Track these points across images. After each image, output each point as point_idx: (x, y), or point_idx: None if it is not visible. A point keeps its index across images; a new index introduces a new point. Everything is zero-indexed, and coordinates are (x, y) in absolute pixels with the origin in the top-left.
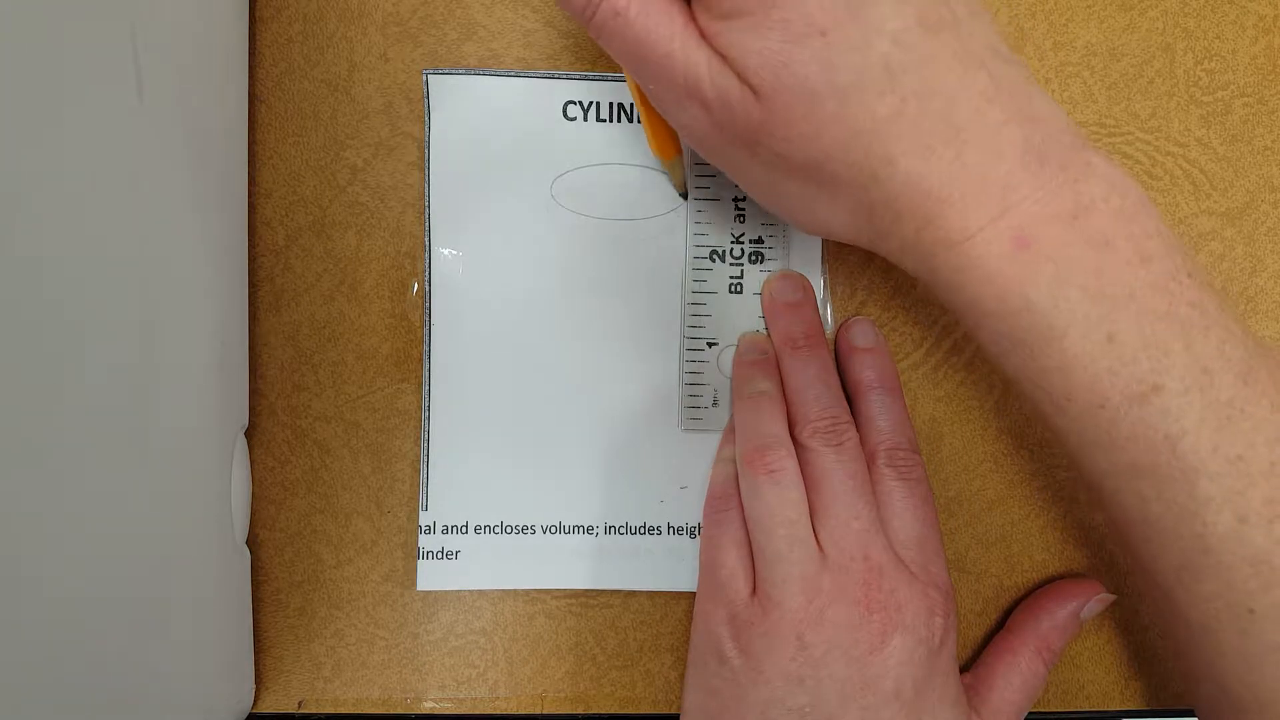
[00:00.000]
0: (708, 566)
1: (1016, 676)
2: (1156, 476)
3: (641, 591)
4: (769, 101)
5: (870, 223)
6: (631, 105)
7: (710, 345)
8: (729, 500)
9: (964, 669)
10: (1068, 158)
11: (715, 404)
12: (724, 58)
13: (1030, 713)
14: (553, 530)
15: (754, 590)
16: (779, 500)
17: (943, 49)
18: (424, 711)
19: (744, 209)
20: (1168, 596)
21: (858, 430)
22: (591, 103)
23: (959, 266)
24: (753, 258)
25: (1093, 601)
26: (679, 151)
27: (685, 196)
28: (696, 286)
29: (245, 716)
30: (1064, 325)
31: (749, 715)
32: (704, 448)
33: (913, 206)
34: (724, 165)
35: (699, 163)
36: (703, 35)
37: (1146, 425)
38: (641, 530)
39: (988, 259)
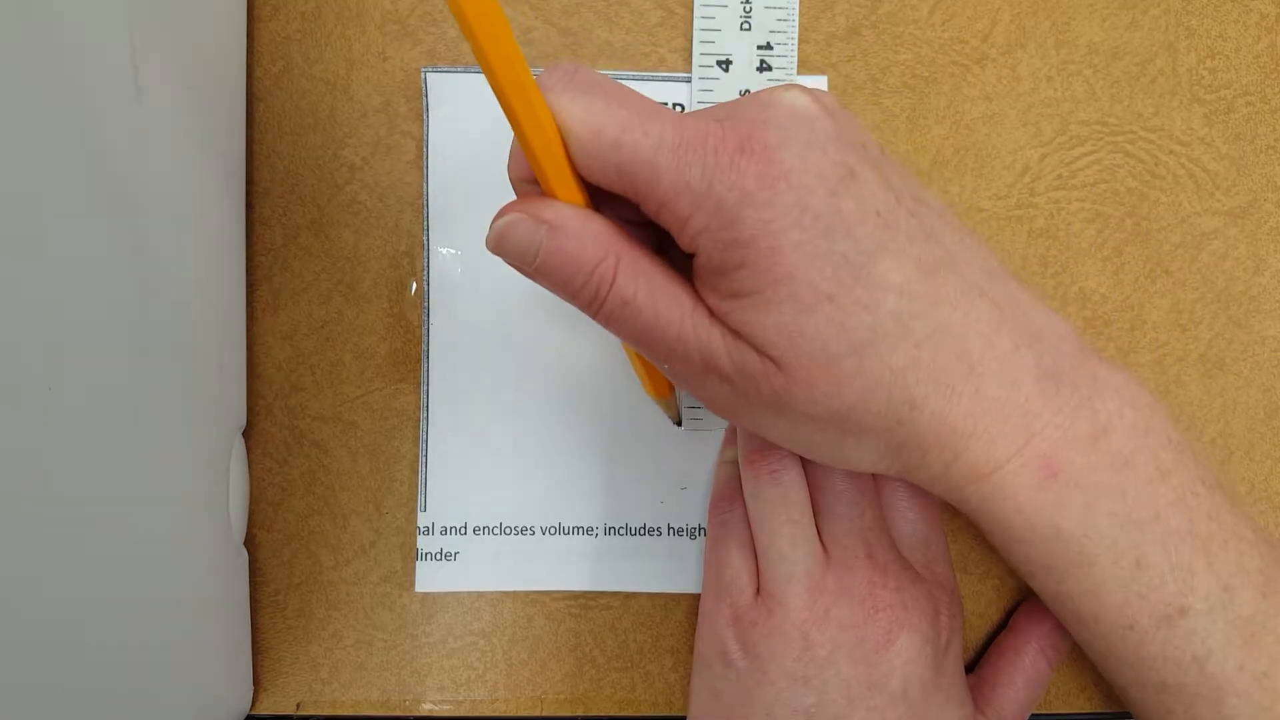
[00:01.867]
0: (712, 568)
1: (1020, 675)
2: (1184, 695)
3: (641, 593)
4: (789, 369)
5: (899, 459)
6: None
7: None
8: (733, 501)
9: (968, 669)
10: (1078, 375)
11: None
12: (738, 334)
13: (1032, 713)
14: (552, 531)
15: (758, 591)
16: (781, 500)
17: (944, 289)
18: (422, 714)
19: None
20: None
21: None
22: None
23: (988, 497)
24: None
25: None
26: (673, 389)
27: (679, 424)
28: None
29: (243, 718)
30: (1094, 553)
31: (754, 716)
32: (704, 448)
33: (939, 443)
34: (748, 425)
35: None
36: (712, 314)
37: (1174, 647)
38: (641, 531)
39: (1017, 490)
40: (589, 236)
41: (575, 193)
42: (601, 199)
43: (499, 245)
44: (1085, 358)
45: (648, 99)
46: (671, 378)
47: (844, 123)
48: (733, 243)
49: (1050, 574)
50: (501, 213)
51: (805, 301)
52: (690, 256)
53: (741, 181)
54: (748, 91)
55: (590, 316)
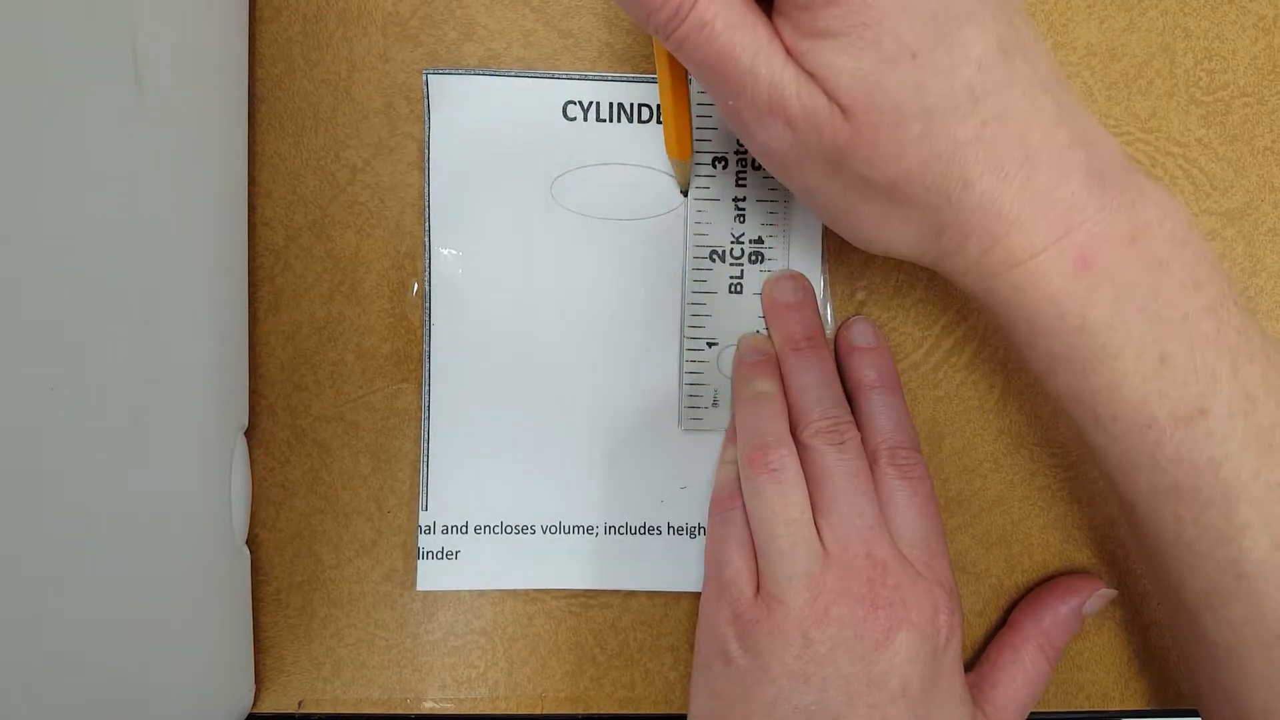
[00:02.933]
0: (712, 567)
1: (1020, 673)
2: (1196, 499)
3: (641, 592)
4: (857, 121)
5: (937, 242)
6: (633, 105)
7: (710, 345)
8: (733, 501)
9: (967, 668)
10: (1123, 180)
11: (715, 404)
12: (812, 76)
13: (1031, 712)
14: (553, 530)
15: (758, 590)
16: (781, 499)
17: (1018, 74)
18: (424, 712)
19: (744, 209)
20: (1194, 620)
21: (859, 430)
22: (591, 103)
23: (1020, 285)
24: (753, 258)
25: (1094, 597)
26: (691, 152)
27: (685, 194)
28: (696, 286)
29: (245, 716)
30: (1119, 345)
31: (755, 715)
32: (704, 448)
33: (982, 226)
34: (797, 182)
35: (700, 162)
36: (789, 53)
37: (1191, 448)
38: (641, 530)
39: (1050, 278)
40: None
41: None
42: None
43: None
44: (1132, 169)
45: None
46: (732, 117)
47: None
48: None
49: (1071, 369)
50: None
51: (888, 52)
52: None
53: None
54: None
55: (661, 39)
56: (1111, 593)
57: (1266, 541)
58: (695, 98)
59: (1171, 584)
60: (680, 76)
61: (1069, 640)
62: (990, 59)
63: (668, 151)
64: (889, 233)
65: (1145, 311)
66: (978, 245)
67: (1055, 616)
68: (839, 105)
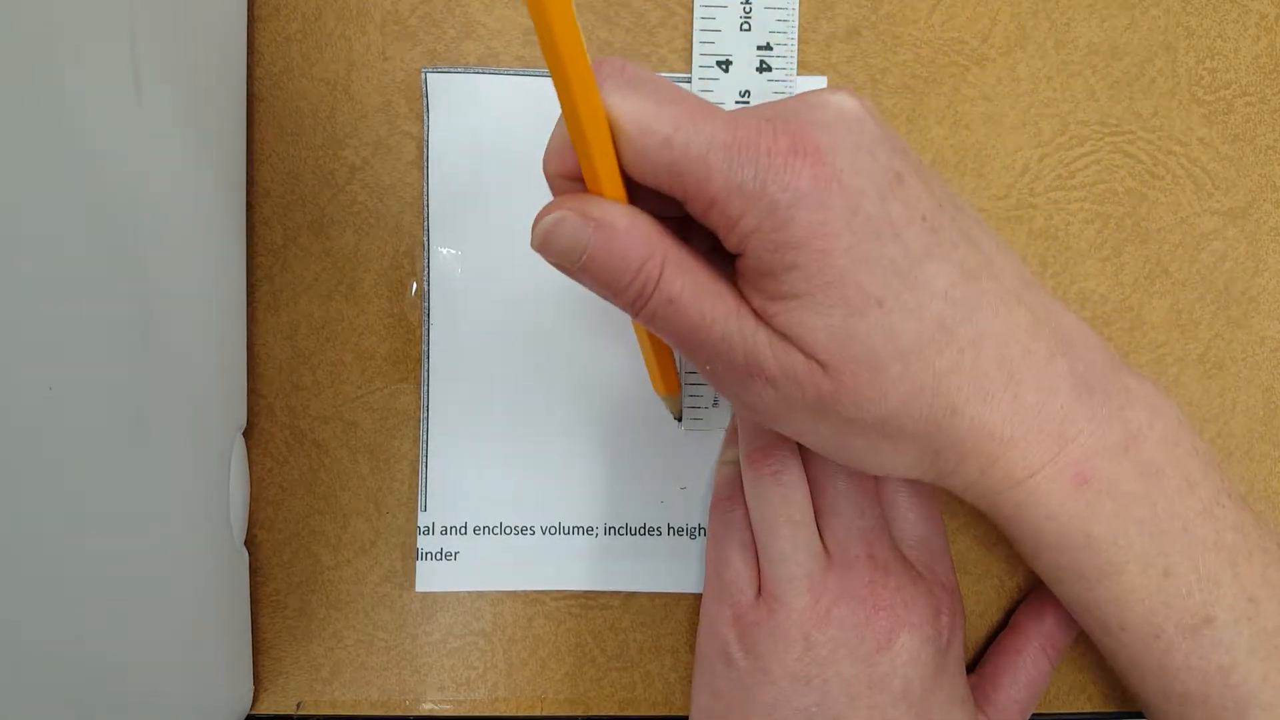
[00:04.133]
0: (713, 568)
1: (1022, 674)
2: (1207, 705)
3: (641, 593)
4: (836, 373)
5: (935, 465)
6: None
7: None
8: (733, 501)
9: (968, 669)
10: (1109, 384)
11: (715, 404)
12: (784, 336)
13: (1033, 713)
14: (552, 531)
15: (759, 591)
16: (782, 500)
17: (985, 294)
18: (423, 713)
19: None
20: None
21: None
22: None
23: (1021, 503)
24: None
25: None
26: (679, 387)
27: (680, 419)
28: None
29: (243, 718)
30: (1123, 561)
31: (755, 716)
32: (704, 448)
33: (976, 449)
34: (786, 429)
35: None
36: (757, 315)
37: (1199, 656)
38: (641, 531)
39: (1050, 496)
40: (637, 234)
41: (620, 190)
42: (636, 197)
43: (544, 244)
44: (1115, 368)
45: (696, 96)
46: (713, 379)
47: (886, 127)
48: (784, 244)
49: (1080, 581)
50: (546, 210)
51: (855, 305)
52: (733, 259)
53: (796, 182)
54: (747, 93)
55: (633, 315)
56: None
57: None
58: None
59: None
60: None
61: (1071, 641)
62: (956, 288)
63: (655, 389)
64: (885, 461)
65: (1145, 524)
66: (975, 466)
67: (1057, 617)
68: (816, 361)
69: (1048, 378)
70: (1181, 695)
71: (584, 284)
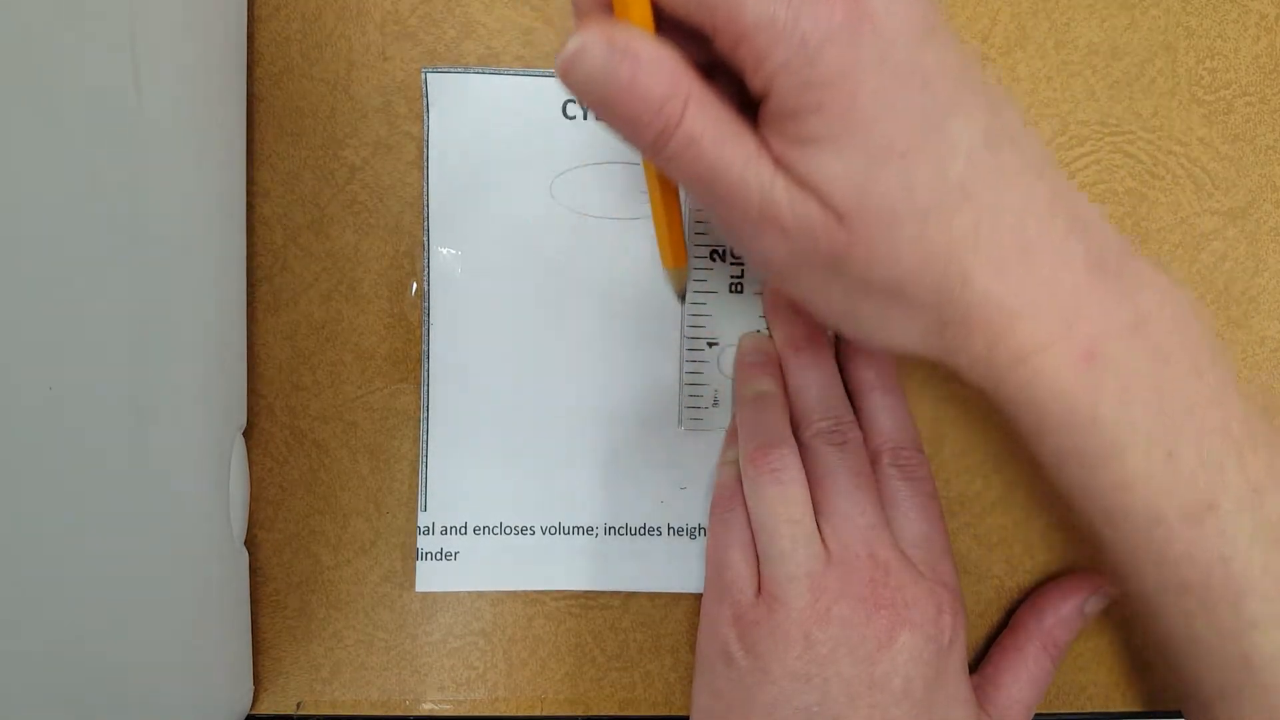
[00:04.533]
0: (713, 568)
1: (1024, 674)
2: (1206, 595)
3: (641, 593)
4: (852, 226)
5: (941, 338)
6: None
7: (711, 345)
8: (733, 501)
9: (970, 669)
10: (1122, 267)
11: (715, 404)
12: (803, 184)
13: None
14: (552, 531)
15: (759, 590)
16: (782, 499)
17: (1007, 164)
18: (423, 713)
19: None
20: (1208, 713)
21: (860, 431)
22: None
23: (1027, 381)
24: None
25: (1096, 595)
26: (686, 260)
27: (683, 299)
28: (697, 286)
29: (244, 717)
30: (1127, 441)
31: (756, 715)
32: (704, 448)
33: (985, 321)
34: (796, 288)
35: (698, 256)
36: (776, 161)
37: (1201, 544)
38: (641, 531)
39: (1058, 373)
40: (663, 67)
41: (649, 19)
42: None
43: (568, 72)
44: (1129, 253)
45: None
46: (726, 230)
47: None
48: (811, 82)
49: (1081, 465)
50: (571, 39)
51: (877, 154)
52: (754, 112)
53: (830, 19)
54: None
55: (651, 155)
56: (1113, 591)
57: (1277, 636)
58: (686, 198)
59: (1184, 678)
60: (670, 188)
61: (1072, 639)
62: (978, 151)
63: (663, 262)
64: (892, 331)
65: (1151, 406)
66: (982, 340)
67: (1057, 615)
68: (833, 211)
69: (1062, 254)
70: (1180, 586)
71: (603, 119)
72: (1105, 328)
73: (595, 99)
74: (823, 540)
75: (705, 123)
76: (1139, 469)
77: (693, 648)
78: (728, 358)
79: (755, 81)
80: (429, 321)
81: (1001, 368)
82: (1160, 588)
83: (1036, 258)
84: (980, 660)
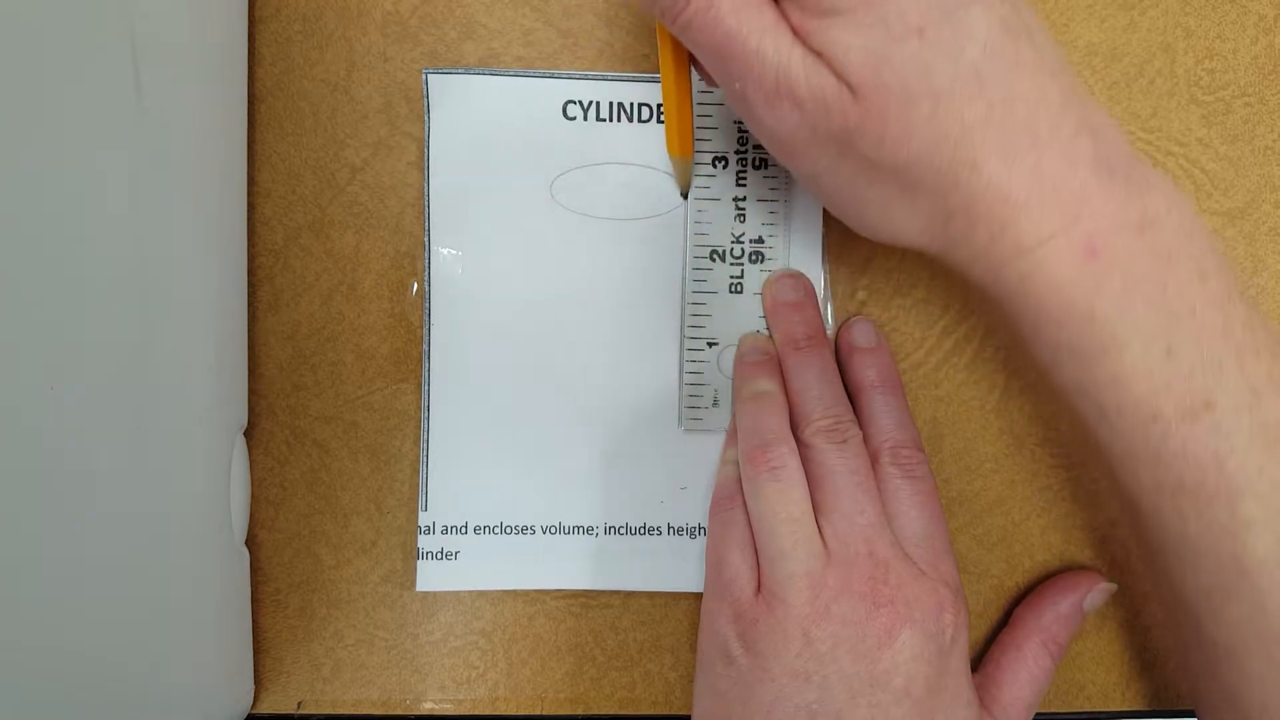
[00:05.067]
0: (713, 567)
1: (1024, 671)
2: (1201, 494)
3: (641, 592)
4: (866, 100)
5: (944, 229)
6: (633, 105)
7: (710, 345)
8: (733, 500)
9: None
10: (1130, 170)
11: (715, 404)
12: (820, 55)
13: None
14: (552, 531)
15: (759, 589)
16: (782, 497)
17: (1024, 58)
18: (423, 712)
19: (744, 208)
20: (1194, 619)
21: (860, 430)
22: (591, 102)
23: (1028, 273)
24: (753, 257)
25: (1095, 591)
26: (692, 150)
27: (685, 196)
28: (696, 286)
29: (244, 717)
30: (1126, 336)
31: (756, 714)
32: (704, 448)
33: (990, 212)
34: (804, 167)
35: (700, 161)
36: (795, 32)
37: (1196, 441)
38: (641, 531)
39: (1058, 266)
40: None
41: None
42: None
43: None
44: (1138, 159)
45: None
46: (738, 101)
47: None
48: None
49: (1078, 360)
50: None
51: (895, 30)
52: None
53: None
54: None
55: (667, 23)
56: (1112, 587)
57: (1270, 538)
58: (697, 97)
59: (1173, 582)
60: (684, 72)
61: (1071, 636)
62: (996, 40)
63: (669, 149)
64: (896, 219)
65: (1152, 303)
66: (985, 231)
67: (1057, 612)
68: (847, 84)
69: (1071, 151)
70: (1175, 485)
71: None
72: (1110, 225)
73: None
74: (822, 539)
75: None
76: (1137, 364)
77: (692, 647)
78: (727, 358)
79: None
80: (429, 322)
81: (1002, 261)
82: (1155, 486)
83: (1045, 152)
84: (980, 659)
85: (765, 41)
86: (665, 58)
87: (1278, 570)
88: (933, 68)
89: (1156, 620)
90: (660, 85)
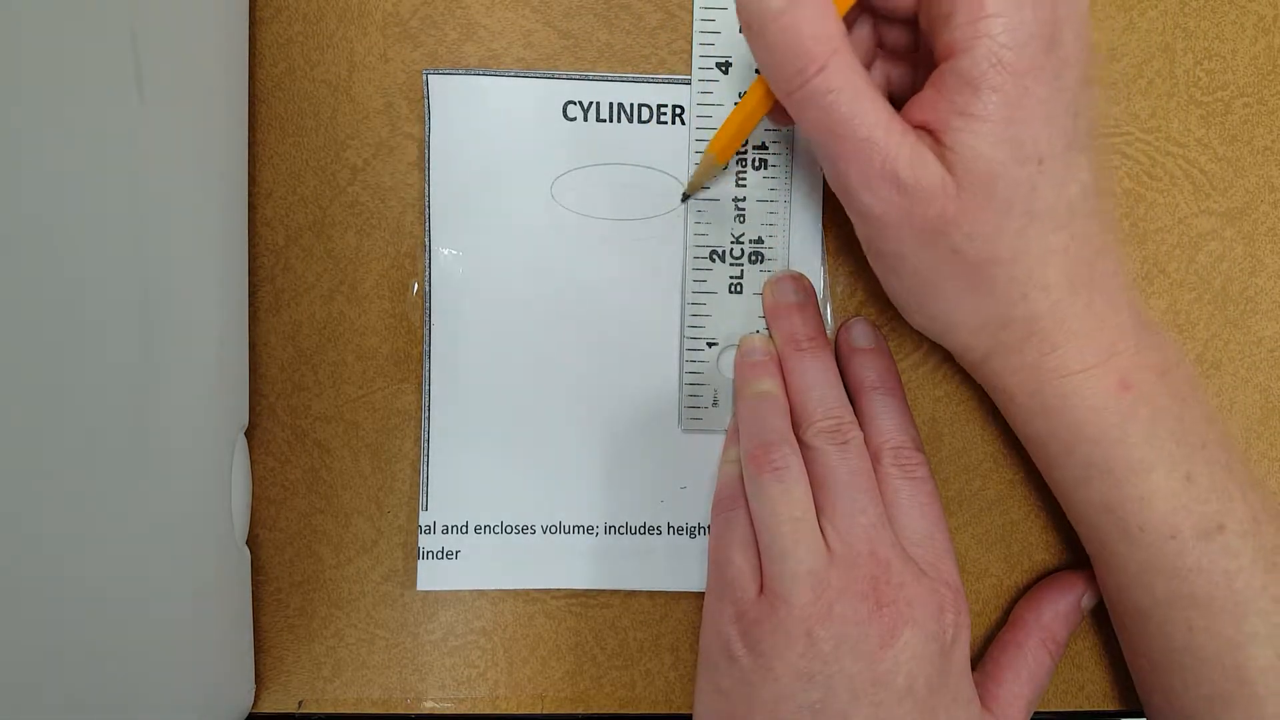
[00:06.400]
0: (715, 567)
1: (1024, 670)
2: (1210, 608)
3: (641, 591)
4: (968, 198)
5: (997, 334)
6: (633, 105)
7: (710, 345)
8: (735, 501)
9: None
10: (1152, 325)
11: (715, 404)
12: (941, 146)
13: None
14: (553, 530)
15: (761, 589)
16: (784, 498)
17: (1102, 210)
18: (424, 711)
19: (744, 209)
20: None
21: (861, 430)
22: (591, 103)
23: (1068, 394)
24: (753, 258)
25: (1093, 589)
26: (725, 160)
27: (687, 198)
28: (696, 286)
29: (245, 717)
30: (1152, 460)
31: (758, 713)
32: (704, 448)
33: (1046, 331)
34: (890, 247)
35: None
36: (921, 125)
37: (1210, 559)
38: (642, 530)
39: (1096, 393)
40: (823, 15)
41: None
42: None
43: None
44: (1149, 321)
45: None
46: (838, 180)
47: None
48: (1002, 63)
49: (1108, 478)
50: None
51: (1023, 152)
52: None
53: (1034, 16)
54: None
55: (785, 94)
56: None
57: (1270, 651)
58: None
59: (1175, 689)
60: (764, 110)
61: (1070, 634)
62: (1089, 187)
63: (710, 148)
64: (958, 312)
65: (1174, 435)
66: (1037, 349)
67: (1055, 610)
68: (955, 179)
69: (1118, 298)
70: (1188, 598)
71: (755, 47)
72: (1139, 364)
73: (756, 24)
74: (824, 539)
75: (846, 78)
76: (1161, 486)
77: (693, 647)
78: (727, 358)
79: (953, 36)
80: (430, 322)
81: (1046, 378)
82: (1169, 598)
83: (1098, 293)
84: (979, 658)
85: (877, 131)
86: (756, 91)
87: (1276, 681)
88: (1038, 193)
89: None
90: (739, 101)
